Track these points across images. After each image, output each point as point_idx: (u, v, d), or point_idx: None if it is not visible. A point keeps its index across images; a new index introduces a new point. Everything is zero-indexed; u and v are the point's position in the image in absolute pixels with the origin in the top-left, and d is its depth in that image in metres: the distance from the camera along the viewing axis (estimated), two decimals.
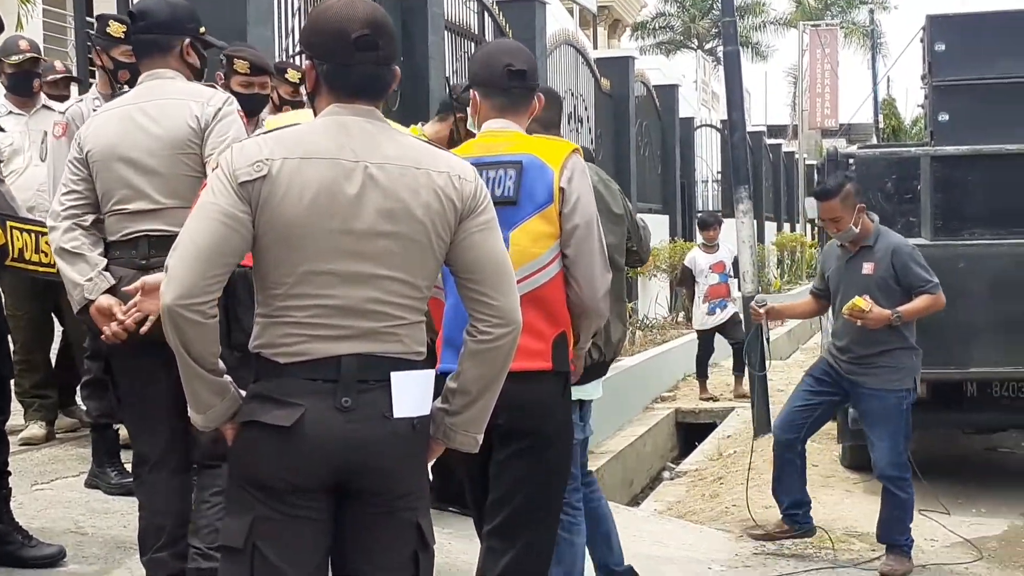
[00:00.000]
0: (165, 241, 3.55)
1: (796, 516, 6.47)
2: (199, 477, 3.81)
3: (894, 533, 6.17)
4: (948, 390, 7.90)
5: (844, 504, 7.55)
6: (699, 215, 15.75)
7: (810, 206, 10.56)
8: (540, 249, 3.61)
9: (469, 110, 3.88)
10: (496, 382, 2.79)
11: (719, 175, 25.09)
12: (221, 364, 2.70)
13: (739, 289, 10.99)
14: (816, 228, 10.57)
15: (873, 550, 6.59)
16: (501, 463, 3.65)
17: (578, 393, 4.32)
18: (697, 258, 12.38)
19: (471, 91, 3.83)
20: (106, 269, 3.76)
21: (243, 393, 2.73)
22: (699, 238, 13.34)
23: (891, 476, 6.12)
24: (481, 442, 2.88)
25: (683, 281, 12.98)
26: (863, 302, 5.95)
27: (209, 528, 3.65)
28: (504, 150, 3.69)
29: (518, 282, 3.46)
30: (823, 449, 9.70)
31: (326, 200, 2.63)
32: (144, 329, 3.62)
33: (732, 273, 11.82)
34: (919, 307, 6.14)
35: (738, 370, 12.03)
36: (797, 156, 32.61)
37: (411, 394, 2.70)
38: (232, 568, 2.69)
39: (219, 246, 2.61)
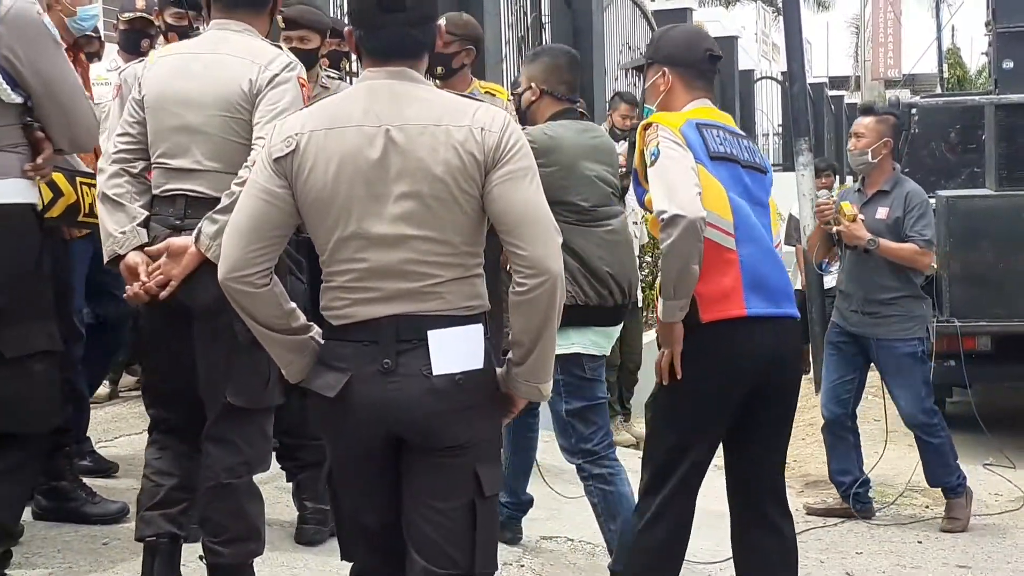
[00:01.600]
0: (203, 203, 3.57)
1: (858, 495, 6.34)
2: (201, 467, 3.70)
3: (940, 476, 6.14)
4: (1013, 343, 7.78)
5: (907, 459, 7.45)
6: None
7: None
8: (777, 219, 3.86)
9: (649, 87, 3.93)
10: (547, 332, 2.78)
11: (780, 128, 24.81)
12: (297, 321, 2.86)
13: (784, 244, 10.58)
14: None
15: (928, 507, 6.54)
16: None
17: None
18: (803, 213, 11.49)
19: (655, 67, 3.91)
20: (145, 224, 3.64)
21: None
22: None
23: (919, 424, 6.09)
24: (549, 393, 2.90)
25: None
26: (850, 207, 5.89)
27: (211, 521, 3.61)
28: (733, 125, 3.93)
29: (776, 245, 3.79)
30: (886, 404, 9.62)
31: (350, 168, 2.73)
32: (164, 294, 3.54)
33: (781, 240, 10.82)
34: (901, 251, 5.94)
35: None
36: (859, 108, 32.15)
37: (453, 350, 2.75)
38: (330, 503, 3.01)
39: (260, 221, 2.79)
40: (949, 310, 7.69)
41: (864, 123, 6.06)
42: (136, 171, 3.68)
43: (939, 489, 6.24)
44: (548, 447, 7.03)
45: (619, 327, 4.70)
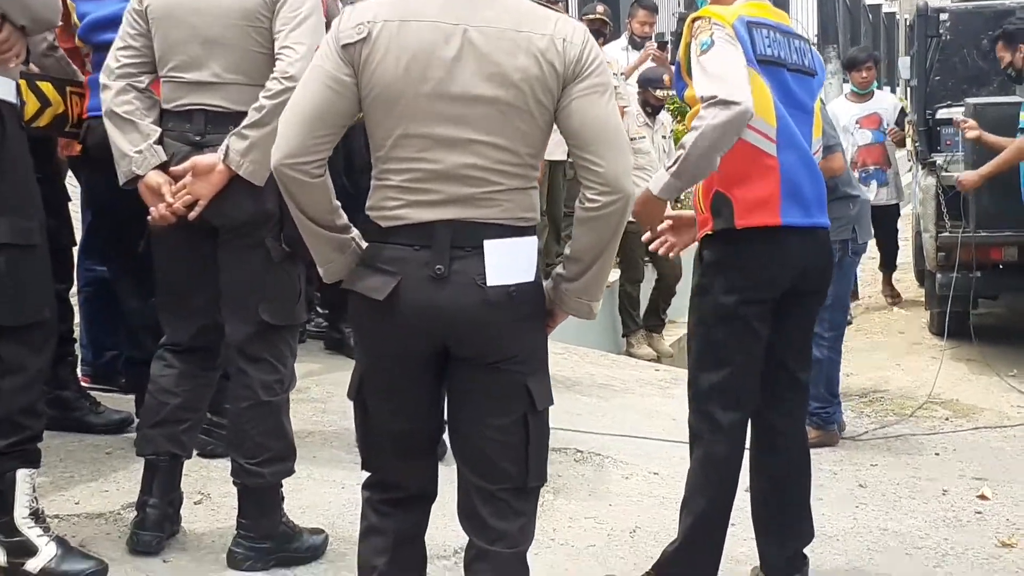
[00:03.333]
0: (223, 118, 3.47)
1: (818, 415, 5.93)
2: (230, 384, 3.67)
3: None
4: None
5: (929, 371, 7.39)
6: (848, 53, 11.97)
7: (903, 66, 10.21)
8: (820, 124, 3.81)
9: None
10: (608, 250, 2.75)
11: (817, 39, 24.39)
12: (341, 219, 2.77)
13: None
14: (909, 89, 10.03)
15: (947, 419, 6.47)
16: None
17: None
18: (839, 111, 9.18)
19: None
20: (159, 142, 3.52)
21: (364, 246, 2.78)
22: (846, 87, 10.66)
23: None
24: (598, 311, 2.86)
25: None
26: None
27: (248, 443, 3.56)
28: (789, 24, 3.77)
29: (815, 152, 3.72)
30: (911, 316, 9.54)
31: (422, 63, 2.62)
32: (194, 214, 3.46)
33: (894, 131, 9.52)
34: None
35: (887, 267, 10.26)
36: (898, 17, 31.52)
37: (508, 261, 2.68)
38: (356, 415, 2.88)
39: (324, 109, 2.66)
40: (975, 221, 7.55)
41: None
42: (143, 86, 3.57)
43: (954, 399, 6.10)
44: (559, 359, 7.04)
45: None
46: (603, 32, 8.26)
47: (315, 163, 2.67)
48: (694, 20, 3.53)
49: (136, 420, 4.47)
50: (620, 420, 5.95)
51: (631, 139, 8.00)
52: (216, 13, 3.46)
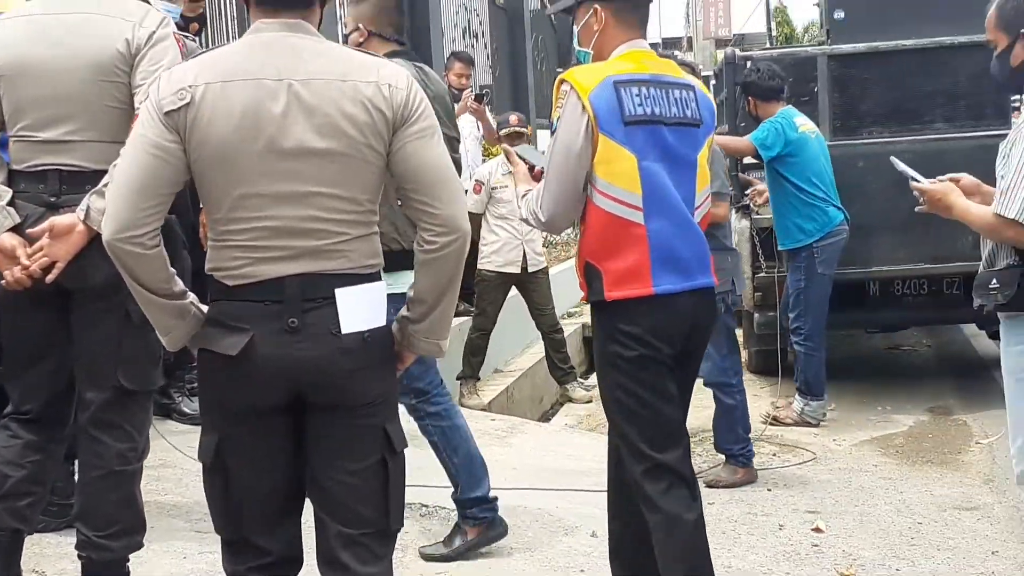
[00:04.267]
0: (80, 178, 3.35)
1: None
2: (80, 453, 3.49)
3: (724, 442, 6.07)
4: (850, 290, 7.92)
5: (752, 408, 7.54)
6: None
7: None
8: (707, 175, 3.64)
9: (582, 29, 3.61)
10: (450, 289, 2.77)
11: None
12: (178, 286, 2.72)
13: None
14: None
15: (775, 455, 6.64)
16: None
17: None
18: None
19: (586, 6, 3.58)
20: (11, 203, 3.35)
21: (204, 310, 2.75)
22: None
23: (715, 382, 6.00)
24: (446, 349, 2.86)
25: None
26: None
27: (98, 514, 3.41)
28: (674, 72, 3.63)
29: (697, 207, 3.59)
30: None
31: (251, 121, 2.60)
32: (51, 277, 3.30)
33: None
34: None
35: None
36: (699, 69, 32.59)
37: (359, 308, 2.69)
38: (210, 481, 2.78)
39: (151, 178, 2.62)
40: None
41: None
42: None
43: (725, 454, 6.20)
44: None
45: None
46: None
47: (148, 234, 2.62)
48: (559, 84, 3.49)
49: None
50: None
51: (493, 188, 8.04)
52: (69, 68, 3.33)
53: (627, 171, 3.44)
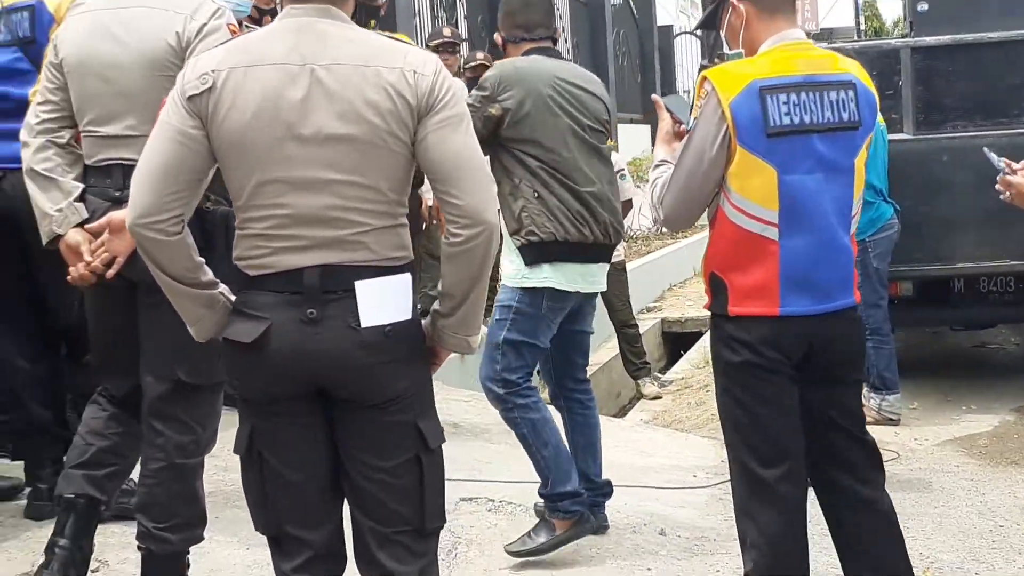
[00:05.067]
0: None
1: None
2: (143, 445, 3.51)
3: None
4: (935, 287, 7.74)
5: None
6: None
7: None
8: (863, 178, 3.37)
9: (727, 31, 3.41)
10: (479, 284, 2.70)
11: None
12: (206, 276, 2.70)
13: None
14: None
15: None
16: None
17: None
18: None
19: (724, 8, 3.41)
20: (81, 198, 3.41)
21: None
22: None
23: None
24: (476, 345, 2.78)
25: None
26: None
27: (158, 506, 3.42)
28: (831, 68, 3.31)
29: (853, 215, 3.32)
30: None
31: (271, 107, 2.56)
32: (111, 272, 3.36)
33: None
34: None
35: None
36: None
37: (381, 301, 2.62)
38: (247, 475, 2.75)
39: (173, 164, 2.59)
40: None
41: None
42: (63, 141, 3.47)
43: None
44: (466, 406, 6.94)
45: (600, 266, 4.61)
46: None
47: (170, 220, 2.59)
48: (703, 80, 3.28)
49: (27, 488, 4.29)
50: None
51: None
52: (126, 65, 3.36)
53: (765, 186, 3.20)
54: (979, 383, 8.24)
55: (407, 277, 2.68)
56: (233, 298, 2.70)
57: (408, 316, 2.66)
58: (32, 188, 3.46)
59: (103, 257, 3.35)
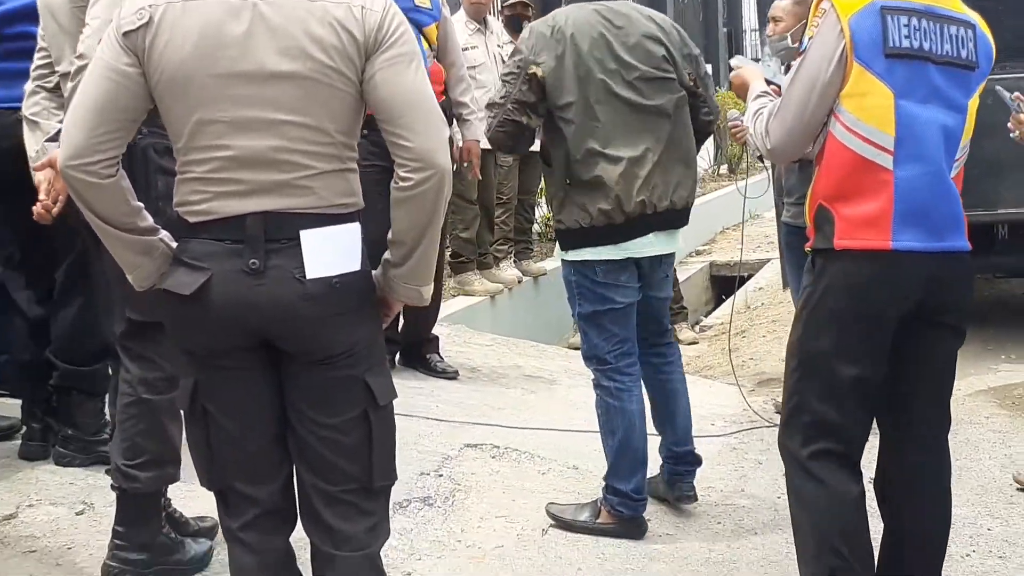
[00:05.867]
0: None
1: None
2: (115, 383, 3.53)
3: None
4: (978, 234, 7.45)
5: None
6: None
7: None
8: (973, 124, 3.23)
9: None
10: (429, 231, 2.59)
11: None
12: (144, 221, 2.59)
13: None
14: None
15: None
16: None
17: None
18: None
19: None
20: (54, 138, 3.35)
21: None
22: None
23: None
24: (429, 296, 2.68)
25: None
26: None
27: (126, 442, 3.41)
28: (951, 5, 3.19)
29: (957, 159, 3.17)
30: None
31: (211, 42, 2.46)
32: (56, 211, 3.38)
33: None
34: None
35: None
36: None
37: (328, 251, 2.53)
38: (191, 430, 2.68)
39: (106, 103, 2.48)
40: None
41: (781, 6, 5.65)
42: (51, 85, 3.52)
43: None
44: (486, 350, 6.90)
45: (657, 235, 4.26)
46: (526, 16, 8.00)
47: (103, 163, 2.48)
48: (818, 2, 3.17)
49: (24, 428, 4.32)
50: (543, 413, 5.78)
51: (463, 49, 7.16)
52: (58, 5, 3.44)
53: (881, 108, 3.07)
54: (1021, 332, 8.02)
55: (356, 227, 2.59)
56: (175, 245, 2.61)
57: (356, 267, 2.57)
58: (25, 132, 3.57)
59: (52, 195, 3.35)
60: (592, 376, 4.40)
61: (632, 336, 4.34)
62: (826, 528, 3.22)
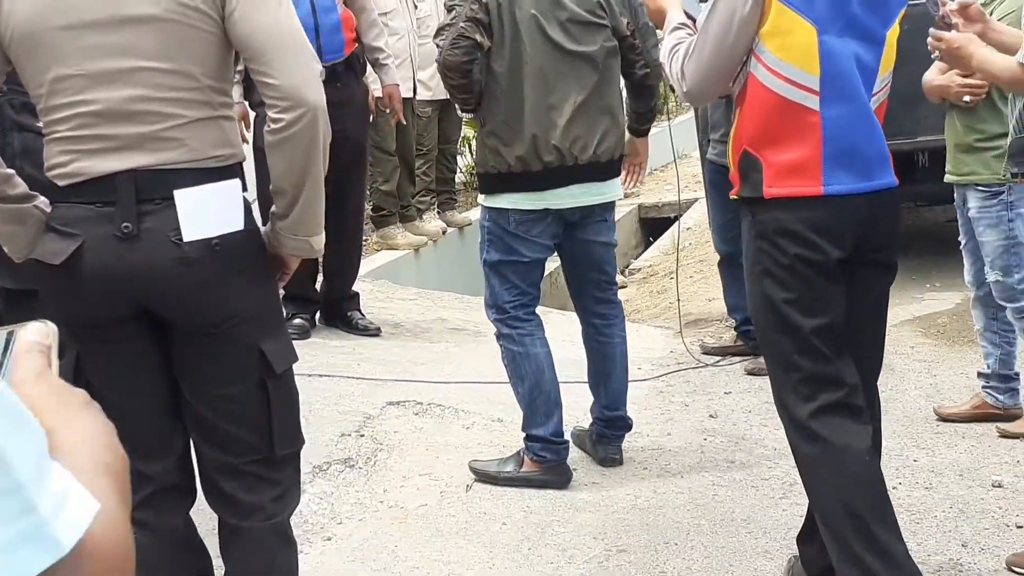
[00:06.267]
0: None
1: (749, 332, 5.91)
2: None
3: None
4: (899, 161, 7.46)
5: None
6: None
7: None
8: (893, 56, 3.07)
9: None
10: (309, 175, 2.43)
11: None
12: (15, 188, 2.42)
13: None
14: None
15: None
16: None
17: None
18: None
19: None
20: None
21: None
22: None
23: None
24: (321, 247, 2.54)
25: None
26: None
27: None
28: None
29: (875, 93, 3.01)
30: None
31: None
32: None
33: None
34: None
35: None
36: None
37: (206, 211, 2.38)
38: None
39: None
40: None
41: None
42: None
43: None
44: (410, 304, 6.79)
45: (581, 186, 4.16)
46: None
47: None
48: None
49: None
50: (468, 367, 5.70)
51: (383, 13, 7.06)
52: None
53: (804, 46, 2.91)
54: (946, 260, 8.04)
55: (236, 183, 2.44)
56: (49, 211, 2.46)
57: (239, 227, 2.43)
58: None
59: None
60: (494, 329, 4.35)
61: (535, 292, 4.32)
62: (841, 493, 3.06)
